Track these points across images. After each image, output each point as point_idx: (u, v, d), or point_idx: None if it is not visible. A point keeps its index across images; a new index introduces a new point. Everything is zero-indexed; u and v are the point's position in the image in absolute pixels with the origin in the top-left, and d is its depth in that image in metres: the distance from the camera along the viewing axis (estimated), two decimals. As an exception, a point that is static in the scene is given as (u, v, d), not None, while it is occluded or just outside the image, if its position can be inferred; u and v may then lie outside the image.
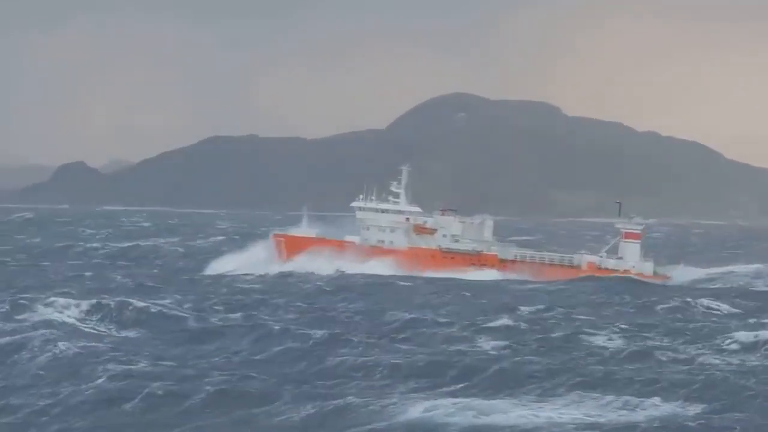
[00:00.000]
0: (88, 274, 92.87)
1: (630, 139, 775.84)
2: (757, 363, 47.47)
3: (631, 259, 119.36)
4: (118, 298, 62.57)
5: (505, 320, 60.10)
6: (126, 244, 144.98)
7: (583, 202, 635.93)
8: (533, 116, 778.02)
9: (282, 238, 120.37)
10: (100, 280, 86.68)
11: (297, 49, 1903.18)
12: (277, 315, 63.16)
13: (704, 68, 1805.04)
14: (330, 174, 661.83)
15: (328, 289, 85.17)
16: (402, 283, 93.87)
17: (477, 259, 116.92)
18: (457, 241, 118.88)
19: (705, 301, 74.39)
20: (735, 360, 48.49)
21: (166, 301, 66.59)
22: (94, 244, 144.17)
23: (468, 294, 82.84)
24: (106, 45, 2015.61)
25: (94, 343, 48.96)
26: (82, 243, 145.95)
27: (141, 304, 60.67)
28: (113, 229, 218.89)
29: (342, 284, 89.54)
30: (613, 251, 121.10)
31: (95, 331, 54.58)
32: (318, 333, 53.19)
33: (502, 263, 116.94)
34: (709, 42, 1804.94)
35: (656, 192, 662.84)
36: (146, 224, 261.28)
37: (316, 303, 72.54)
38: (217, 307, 66.55)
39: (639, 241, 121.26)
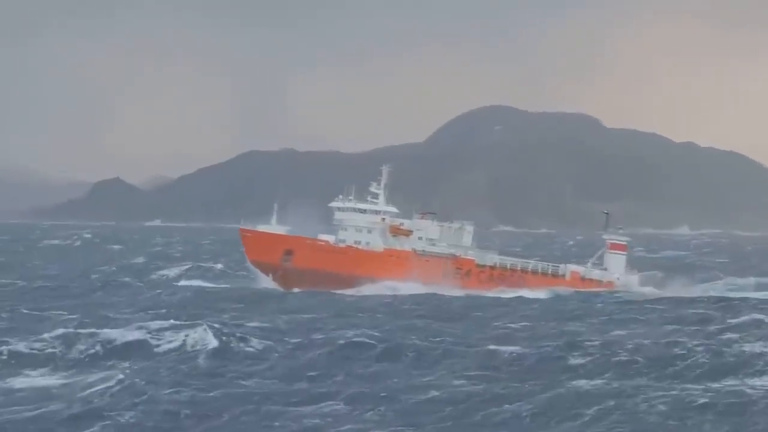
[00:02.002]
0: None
1: (667, 149, 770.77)
2: None
3: (617, 271, 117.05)
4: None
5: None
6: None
7: (621, 213, 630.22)
8: (571, 128, 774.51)
9: (248, 234, 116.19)
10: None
11: (334, 63, 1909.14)
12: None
13: (742, 77, 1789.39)
14: (367, 188, 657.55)
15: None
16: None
17: (455, 262, 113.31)
18: (433, 244, 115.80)
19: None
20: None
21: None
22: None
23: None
24: (142, 62, 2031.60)
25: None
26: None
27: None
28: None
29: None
30: (599, 263, 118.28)
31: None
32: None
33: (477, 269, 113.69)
34: (748, 50, 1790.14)
35: (694, 203, 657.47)
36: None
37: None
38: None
39: (624, 252, 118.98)
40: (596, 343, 54.40)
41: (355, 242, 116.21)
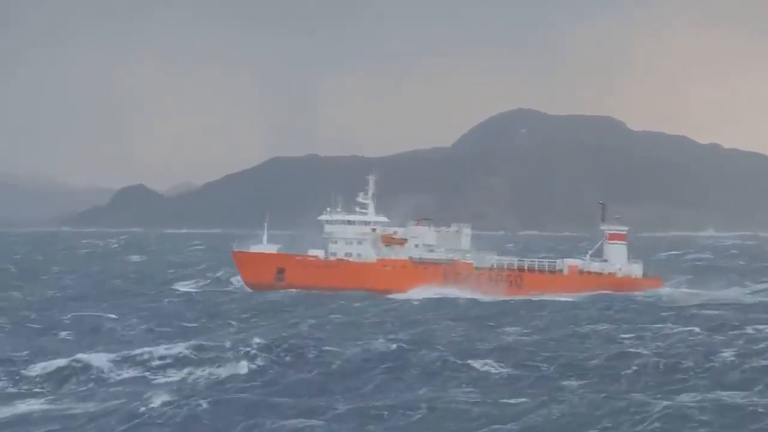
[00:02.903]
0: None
1: (692, 151, 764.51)
2: None
3: (618, 261, 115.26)
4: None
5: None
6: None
7: (648, 217, 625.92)
8: (596, 131, 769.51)
9: (241, 255, 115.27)
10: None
11: (361, 69, 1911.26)
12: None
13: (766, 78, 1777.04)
14: (392, 193, 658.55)
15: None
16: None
17: (451, 269, 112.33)
18: (431, 251, 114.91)
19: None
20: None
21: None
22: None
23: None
24: (168, 69, 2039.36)
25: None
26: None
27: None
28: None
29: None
30: (598, 254, 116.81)
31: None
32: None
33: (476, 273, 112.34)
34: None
35: (720, 205, 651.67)
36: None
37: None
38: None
39: (624, 242, 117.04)
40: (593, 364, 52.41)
41: (346, 255, 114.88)
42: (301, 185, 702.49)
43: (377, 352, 56.03)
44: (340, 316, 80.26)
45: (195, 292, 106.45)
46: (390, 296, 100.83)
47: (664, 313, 79.77)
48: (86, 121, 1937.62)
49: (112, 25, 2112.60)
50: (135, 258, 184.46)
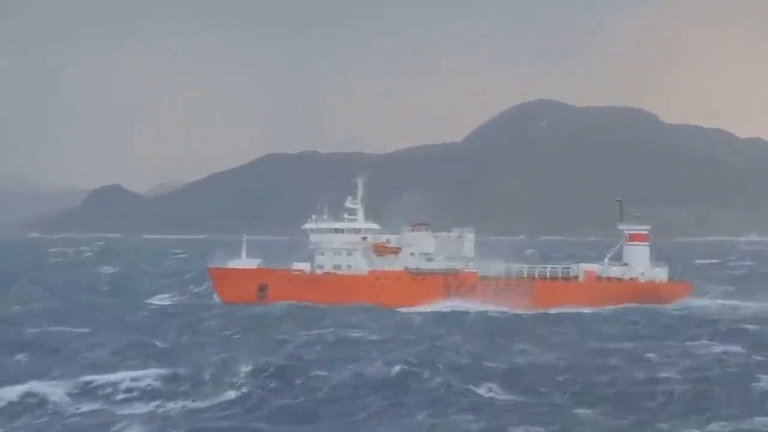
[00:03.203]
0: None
1: (732, 146, 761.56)
2: None
3: (640, 265, 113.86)
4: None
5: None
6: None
7: (683, 219, 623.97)
8: (626, 124, 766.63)
9: (217, 272, 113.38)
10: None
11: (362, 58, 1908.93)
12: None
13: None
14: (398, 193, 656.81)
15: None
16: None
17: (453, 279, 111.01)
18: (430, 259, 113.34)
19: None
20: None
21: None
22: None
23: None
24: (153, 58, 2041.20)
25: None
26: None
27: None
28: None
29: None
30: (618, 258, 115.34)
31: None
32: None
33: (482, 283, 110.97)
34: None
35: (763, 206, 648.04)
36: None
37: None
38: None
39: (647, 243, 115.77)
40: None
41: (335, 267, 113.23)
42: (298, 184, 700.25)
43: (373, 374, 55.17)
44: (332, 329, 79.45)
45: (172, 306, 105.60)
46: (390, 309, 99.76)
47: (697, 330, 78.87)
48: (60, 117, 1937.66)
49: (101, 25, 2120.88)
50: (108, 269, 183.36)
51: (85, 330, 78.50)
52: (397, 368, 56.43)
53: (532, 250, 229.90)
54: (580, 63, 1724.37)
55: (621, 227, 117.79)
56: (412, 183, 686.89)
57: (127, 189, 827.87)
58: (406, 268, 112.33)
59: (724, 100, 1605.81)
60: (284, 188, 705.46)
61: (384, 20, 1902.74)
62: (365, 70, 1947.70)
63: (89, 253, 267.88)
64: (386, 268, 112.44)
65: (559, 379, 54.21)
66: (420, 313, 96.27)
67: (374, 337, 76.16)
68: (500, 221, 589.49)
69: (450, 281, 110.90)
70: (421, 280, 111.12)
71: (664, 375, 54.31)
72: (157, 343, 70.50)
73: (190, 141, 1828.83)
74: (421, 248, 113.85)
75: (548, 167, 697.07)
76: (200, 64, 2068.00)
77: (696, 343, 70.59)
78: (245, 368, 55.56)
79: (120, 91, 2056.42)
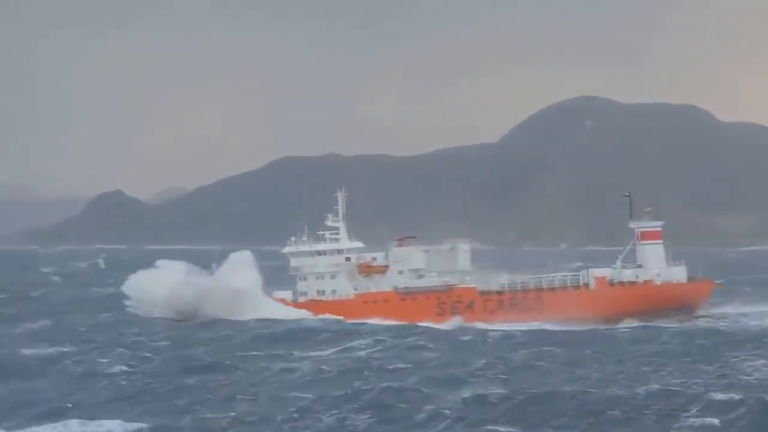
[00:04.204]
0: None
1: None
2: None
3: (654, 265, 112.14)
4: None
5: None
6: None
7: (743, 227, 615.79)
8: (678, 123, 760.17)
9: None
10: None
11: (390, 55, 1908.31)
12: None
13: None
14: (428, 199, 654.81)
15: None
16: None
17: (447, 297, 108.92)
18: (420, 276, 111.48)
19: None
20: None
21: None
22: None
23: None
24: (162, 53, 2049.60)
25: None
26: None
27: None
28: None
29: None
30: (630, 259, 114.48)
31: None
32: None
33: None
34: None
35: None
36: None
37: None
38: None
39: (660, 241, 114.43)
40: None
41: (318, 293, 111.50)
42: (317, 188, 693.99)
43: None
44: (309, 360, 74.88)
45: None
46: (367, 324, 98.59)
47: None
48: (57, 119, 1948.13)
49: (96, 20, 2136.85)
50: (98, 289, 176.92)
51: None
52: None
53: (580, 263, 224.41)
54: (627, 58, 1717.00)
55: (632, 225, 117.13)
56: (442, 188, 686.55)
57: (129, 195, 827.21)
58: (395, 288, 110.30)
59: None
60: (302, 194, 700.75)
61: (418, 17, 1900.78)
62: (394, 68, 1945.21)
63: (84, 265, 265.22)
64: (374, 290, 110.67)
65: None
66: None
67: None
68: (539, 229, 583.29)
69: (444, 299, 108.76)
70: (412, 301, 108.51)
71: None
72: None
73: (198, 142, 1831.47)
74: (410, 264, 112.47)
75: (593, 169, 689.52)
76: (213, 61, 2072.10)
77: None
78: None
79: (122, 90, 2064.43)
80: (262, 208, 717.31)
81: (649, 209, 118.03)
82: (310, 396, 60.65)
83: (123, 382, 68.76)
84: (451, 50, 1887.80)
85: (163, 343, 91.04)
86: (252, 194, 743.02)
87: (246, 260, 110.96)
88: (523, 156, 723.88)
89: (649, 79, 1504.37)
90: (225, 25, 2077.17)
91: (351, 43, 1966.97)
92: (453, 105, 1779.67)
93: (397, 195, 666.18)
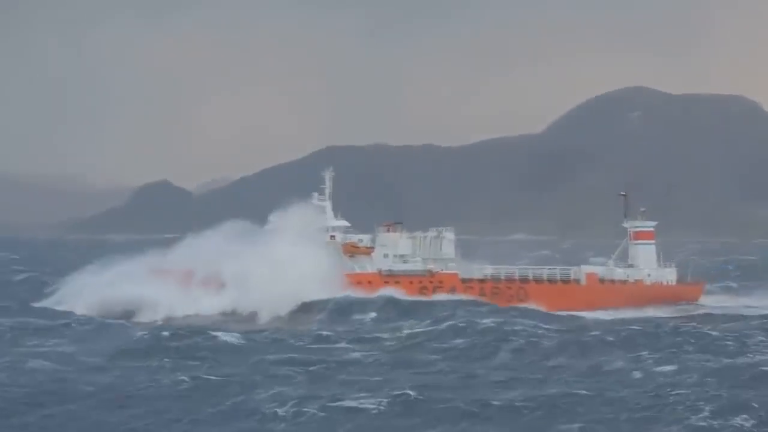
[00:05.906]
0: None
1: None
2: None
3: (646, 265, 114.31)
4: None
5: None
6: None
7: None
8: (726, 114, 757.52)
9: None
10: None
11: (439, 45, 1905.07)
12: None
13: None
14: (472, 189, 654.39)
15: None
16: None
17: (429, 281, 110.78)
18: (405, 261, 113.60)
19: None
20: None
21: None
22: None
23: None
24: (211, 44, 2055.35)
25: None
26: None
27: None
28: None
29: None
30: (623, 257, 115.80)
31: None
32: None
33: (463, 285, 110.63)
34: None
35: None
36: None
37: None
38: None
39: (652, 241, 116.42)
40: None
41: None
42: (365, 179, 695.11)
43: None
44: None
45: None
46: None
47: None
48: (117, 115, 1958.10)
49: (148, 11, 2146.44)
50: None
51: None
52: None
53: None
54: (676, 48, 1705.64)
55: (625, 225, 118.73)
56: (487, 178, 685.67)
57: (176, 185, 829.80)
58: (379, 270, 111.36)
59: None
60: (346, 183, 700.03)
61: (465, 9, 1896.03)
62: (443, 59, 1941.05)
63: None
64: (357, 271, 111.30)
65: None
66: None
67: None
68: (582, 222, 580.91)
69: (425, 284, 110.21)
70: (395, 283, 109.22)
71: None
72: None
73: (244, 133, 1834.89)
74: (395, 249, 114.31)
75: (639, 162, 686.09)
76: (261, 52, 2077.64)
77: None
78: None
79: (168, 82, 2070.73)
80: (305, 197, 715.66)
81: (644, 209, 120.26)
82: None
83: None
84: (498, 41, 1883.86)
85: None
86: (294, 183, 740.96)
87: None
88: (568, 147, 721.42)
89: (697, 70, 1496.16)
90: (274, 16, 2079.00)
91: (397, 34, 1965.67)
92: (499, 95, 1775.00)
93: (442, 184, 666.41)
